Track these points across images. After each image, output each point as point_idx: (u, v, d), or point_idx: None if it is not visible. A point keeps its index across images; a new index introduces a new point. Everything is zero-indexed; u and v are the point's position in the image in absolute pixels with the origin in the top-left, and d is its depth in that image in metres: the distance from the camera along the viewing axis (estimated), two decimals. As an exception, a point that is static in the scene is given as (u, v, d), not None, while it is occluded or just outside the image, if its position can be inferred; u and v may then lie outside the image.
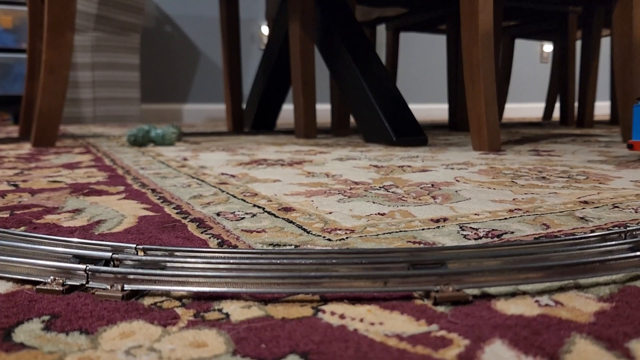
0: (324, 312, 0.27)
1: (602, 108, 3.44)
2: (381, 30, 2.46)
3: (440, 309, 0.28)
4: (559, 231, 0.43)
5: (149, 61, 2.62)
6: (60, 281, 0.30)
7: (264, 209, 0.52)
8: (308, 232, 0.43)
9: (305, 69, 1.44)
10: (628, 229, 0.38)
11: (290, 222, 0.47)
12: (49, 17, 1.18)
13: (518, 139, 1.43)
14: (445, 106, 2.07)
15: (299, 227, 0.45)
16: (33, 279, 0.31)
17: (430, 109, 3.02)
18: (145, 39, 2.57)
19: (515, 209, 0.52)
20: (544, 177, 0.72)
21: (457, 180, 0.70)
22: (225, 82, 1.79)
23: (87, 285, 0.30)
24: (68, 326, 0.25)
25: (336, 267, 0.31)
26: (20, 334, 0.24)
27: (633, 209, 0.52)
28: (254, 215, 0.50)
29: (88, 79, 2.21)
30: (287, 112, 2.70)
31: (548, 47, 3.34)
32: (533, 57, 3.40)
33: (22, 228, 0.45)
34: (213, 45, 2.76)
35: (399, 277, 0.29)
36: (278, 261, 0.32)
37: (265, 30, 2.78)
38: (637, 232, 0.38)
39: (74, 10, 1.21)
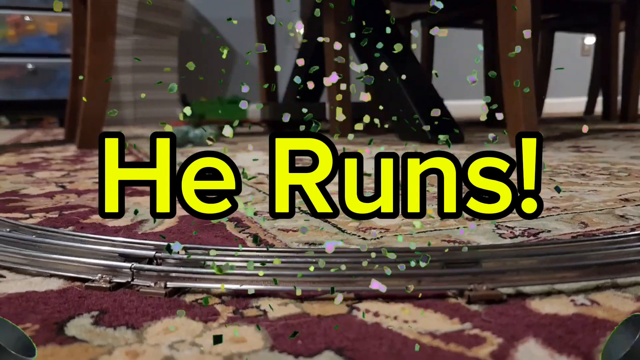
0: (358, 309, 0.28)
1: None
2: (417, 26, 2.44)
3: (474, 307, 0.28)
4: (597, 230, 0.43)
5: (186, 63, 2.67)
6: (108, 279, 0.31)
7: (299, 208, 0.53)
8: (343, 232, 0.44)
9: (340, 67, 1.45)
10: (670, 227, 0.37)
11: (326, 221, 0.48)
12: (92, 23, 1.22)
13: (557, 135, 1.40)
14: (481, 102, 2.05)
15: (334, 227, 0.46)
16: (82, 276, 0.32)
17: (468, 105, 2.98)
18: (183, 42, 2.62)
19: (553, 207, 0.51)
20: (583, 174, 0.71)
21: (493, 178, 0.69)
22: (260, 82, 1.82)
23: (132, 282, 0.31)
24: (115, 321, 0.27)
25: (370, 266, 0.32)
26: (72, 328, 0.26)
27: (677, 206, 0.50)
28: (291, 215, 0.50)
29: (128, 82, 2.27)
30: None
31: (589, 40, 3.25)
32: (574, 50, 3.31)
33: (71, 228, 0.47)
34: (249, 46, 2.79)
35: (433, 276, 0.30)
36: (314, 260, 0.33)
37: (300, 29, 2.80)
38: (680, 231, 0.37)
39: (115, 16, 1.25)
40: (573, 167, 0.77)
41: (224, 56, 0.32)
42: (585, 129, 0.30)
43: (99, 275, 0.32)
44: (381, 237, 0.42)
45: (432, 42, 2.18)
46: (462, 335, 0.25)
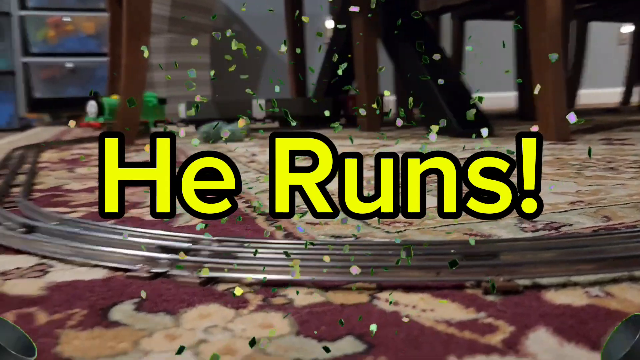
0: (379, 299, 0.30)
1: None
2: (446, 19, 2.42)
3: (490, 298, 0.29)
4: (620, 223, 0.43)
5: (218, 60, 2.72)
6: (147, 268, 0.34)
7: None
8: (368, 225, 0.46)
9: (369, 62, 1.46)
10: (692, 221, 0.37)
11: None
12: (127, 23, 1.26)
13: (590, 127, 1.38)
14: (513, 94, 2.02)
15: (359, 220, 0.47)
16: (124, 266, 0.35)
17: (499, 97, 2.95)
18: (215, 39, 2.66)
19: (578, 201, 0.52)
20: (612, 168, 0.70)
21: (520, 172, 0.70)
22: (291, 77, 1.84)
23: (169, 272, 0.34)
24: (154, 308, 0.29)
25: (392, 257, 0.33)
26: (116, 314, 0.28)
27: None
28: (317, 208, 0.52)
29: (163, 79, 2.32)
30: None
31: (626, 29, 3.16)
32: (610, 39, 3.22)
33: (112, 221, 0.50)
34: (279, 41, 2.81)
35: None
36: (338, 252, 0.35)
37: (329, 25, 2.81)
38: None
39: (150, 16, 1.28)
40: (602, 161, 0.77)
41: (243, 53, 0.33)
42: (534, 128, 0.29)
43: (139, 265, 0.34)
44: (404, 230, 0.44)
45: (462, 35, 2.16)
46: (477, 324, 0.26)
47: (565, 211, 0.48)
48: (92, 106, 1.48)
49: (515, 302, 0.28)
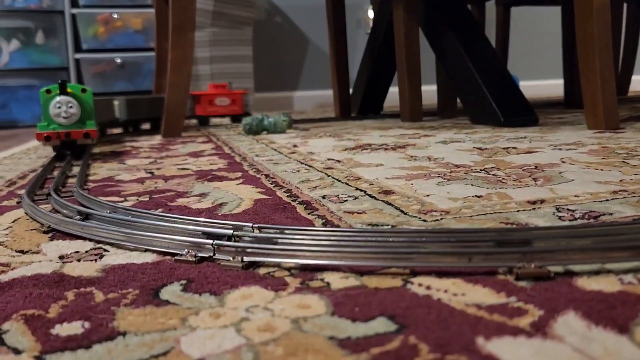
0: (412, 283, 0.31)
1: None
2: (490, 6, 2.37)
3: (521, 283, 0.30)
4: (662, 212, 0.43)
5: (261, 52, 2.75)
6: (193, 253, 0.36)
7: (365, 192, 0.56)
8: (405, 214, 0.47)
9: (410, 52, 1.45)
10: None
11: (389, 204, 0.50)
12: (173, 20, 1.30)
13: (642, 114, 1.34)
14: (561, 82, 1.97)
15: (396, 209, 0.48)
16: (172, 251, 0.37)
17: (546, 85, 2.87)
18: (257, 31, 2.70)
19: (620, 190, 0.51)
20: (660, 157, 0.69)
21: (562, 162, 0.69)
22: (332, 68, 1.85)
23: (214, 257, 0.36)
24: (200, 289, 0.31)
25: (426, 244, 0.34)
26: (165, 294, 0.31)
27: None
28: (356, 198, 0.54)
29: (207, 72, 2.38)
30: (395, 94, 2.70)
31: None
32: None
33: (160, 209, 0.53)
34: (320, 32, 2.83)
35: (483, 254, 0.32)
36: (374, 238, 0.36)
37: (371, 14, 2.80)
38: None
39: (195, 12, 1.32)
40: (651, 149, 0.75)
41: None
42: None
43: (186, 250, 0.36)
44: (441, 219, 0.44)
45: (508, 22, 2.12)
46: (506, 307, 0.27)
47: (607, 200, 0.48)
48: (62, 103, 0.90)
49: (546, 288, 0.29)
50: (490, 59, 1.35)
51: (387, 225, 0.43)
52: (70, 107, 0.89)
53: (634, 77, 2.34)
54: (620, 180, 0.56)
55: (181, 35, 1.30)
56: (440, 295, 0.29)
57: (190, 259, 0.36)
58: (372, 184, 0.60)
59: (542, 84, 2.88)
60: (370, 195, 0.54)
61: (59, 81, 0.90)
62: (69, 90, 0.90)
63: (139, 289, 0.31)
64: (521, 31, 2.77)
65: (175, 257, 0.36)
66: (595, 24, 1.02)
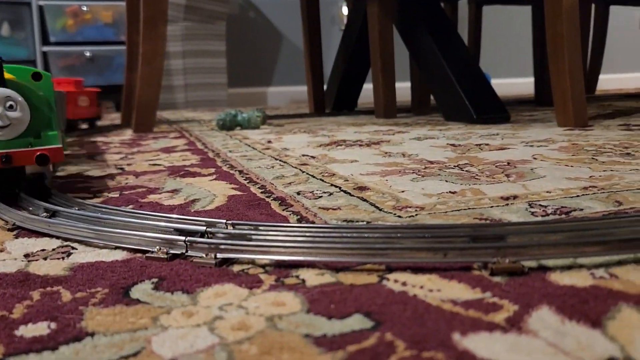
0: (388, 279, 0.31)
1: None
2: (463, 5, 2.40)
3: (496, 279, 0.30)
4: (631, 208, 0.44)
5: (234, 47, 2.73)
6: (165, 250, 0.35)
7: (340, 188, 0.56)
8: (380, 210, 0.46)
9: (384, 49, 1.45)
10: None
11: (364, 200, 0.50)
12: (144, 12, 1.27)
13: (609, 112, 1.37)
14: (531, 80, 2.00)
15: (371, 205, 0.48)
16: (143, 248, 0.36)
17: (517, 83, 2.92)
18: (230, 26, 2.67)
19: (590, 187, 0.52)
20: (628, 154, 0.70)
21: (534, 158, 0.70)
22: (306, 64, 1.84)
23: (186, 254, 0.35)
24: (172, 287, 0.30)
25: (401, 240, 0.34)
26: (136, 292, 0.30)
27: None
28: (331, 194, 0.53)
29: (179, 67, 2.34)
30: (369, 91, 2.71)
31: (649, 12, 3.09)
32: (630, 23, 3.16)
33: (131, 206, 0.52)
34: (295, 28, 2.82)
35: (458, 250, 0.32)
36: (349, 234, 0.36)
37: (345, 11, 2.80)
38: None
39: (167, 5, 1.30)
40: (619, 146, 0.77)
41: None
42: None
43: (158, 247, 0.36)
44: (416, 215, 0.44)
45: (480, 20, 2.14)
46: (482, 303, 0.27)
47: (577, 196, 0.48)
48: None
49: (520, 283, 0.29)
50: (463, 57, 1.36)
51: (362, 221, 0.43)
52: (10, 107, 0.49)
53: (601, 76, 2.39)
54: (590, 177, 0.57)
55: (153, 29, 1.28)
56: (416, 291, 0.29)
57: (162, 256, 0.35)
58: (347, 180, 0.60)
59: (513, 82, 2.92)
60: (345, 192, 0.54)
61: None
62: (6, 76, 0.50)
63: (108, 288, 0.31)
64: (493, 30, 2.81)
65: (147, 255, 0.35)
66: (564, 24, 1.04)
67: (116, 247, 0.38)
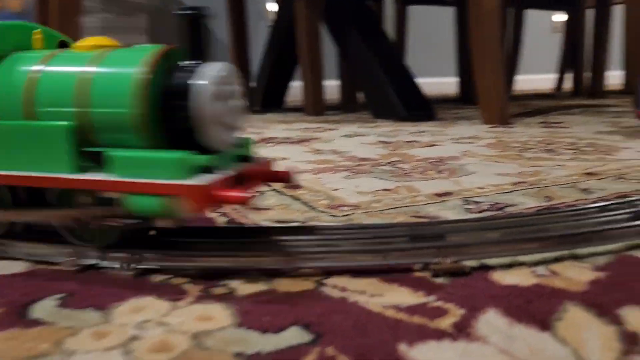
0: (326, 285, 0.28)
1: (616, 77, 3.37)
2: (388, 3, 2.43)
3: (439, 280, 0.28)
4: (561, 203, 0.44)
5: (157, 41, 2.62)
6: (74, 261, 0.31)
7: (271, 186, 0.53)
8: (314, 209, 0.44)
9: (312, 46, 1.44)
10: (629, 199, 0.38)
11: (297, 199, 0.48)
12: (59, 2, 1.18)
13: (529, 111, 1.42)
14: (455, 80, 2.06)
15: (305, 204, 0.46)
16: (49, 260, 0.32)
17: (441, 82, 3.00)
18: (153, 20, 2.56)
19: (520, 182, 0.52)
20: (551, 150, 0.72)
21: (464, 155, 0.70)
22: (232, 60, 1.79)
23: (99, 265, 0.31)
24: (82, 303, 0.27)
25: (339, 242, 0.32)
26: (37, 311, 0.26)
27: (638, 180, 0.52)
28: (261, 193, 0.51)
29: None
30: (298, 89, 2.69)
31: (558, 17, 3.28)
32: (544, 27, 3.34)
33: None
34: (220, 23, 2.75)
35: (399, 251, 0.30)
36: (283, 237, 0.33)
37: (272, 6, 2.76)
38: (638, 202, 0.38)
39: (81, -6, 1.21)
40: (542, 143, 0.79)
41: None
42: None
43: (66, 258, 0.31)
44: (351, 213, 0.42)
45: (405, 20, 2.17)
46: (426, 308, 0.25)
47: (509, 192, 0.48)
48: None
49: (463, 284, 0.28)
50: (390, 55, 1.37)
51: (296, 221, 0.41)
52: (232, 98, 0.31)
53: (518, 77, 2.50)
54: (519, 172, 0.57)
55: (66, 20, 1.19)
56: (357, 298, 0.27)
57: (71, 268, 0.31)
58: (278, 179, 0.57)
59: (437, 82, 3.00)
60: (276, 191, 0.51)
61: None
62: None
63: (4, 307, 0.26)
64: (418, 29, 2.87)
65: (53, 267, 0.31)
66: (487, 26, 1.06)
67: (18, 259, 0.33)
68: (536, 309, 0.25)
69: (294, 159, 0.71)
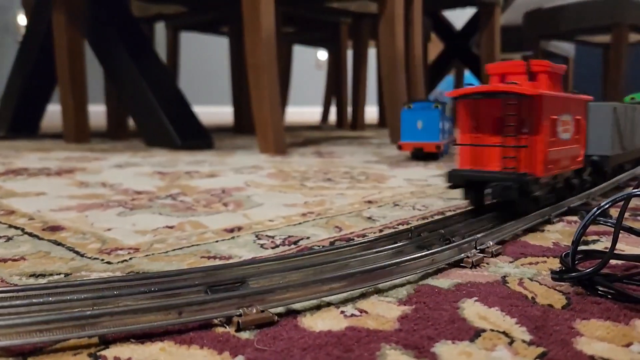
0: (105, 358, 0.22)
1: (371, 112, 3.80)
2: (161, 28, 2.35)
3: (245, 335, 0.24)
4: (351, 233, 0.44)
5: None
6: None
7: (23, 229, 0.43)
8: (82, 256, 0.37)
9: (74, 65, 1.29)
10: (412, 227, 0.40)
11: (59, 244, 0.39)
12: None
13: (301, 141, 1.49)
14: (230, 109, 2.07)
15: (69, 250, 0.38)
16: None
17: (215, 111, 3.00)
18: None
19: (308, 212, 0.52)
20: (329, 179, 0.74)
21: (247, 185, 0.68)
22: (-29, 77, 1.51)
23: None
24: None
25: (119, 299, 0.26)
26: None
27: (411, 206, 0.55)
28: (9, 238, 0.40)
29: None
30: (55, 113, 2.40)
31: (322, 55, 3.58)
32: (310, 63, 3.61)
33: None
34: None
35: (196, 304, 0.25)
36: (41, 299, 0.25)
37: (22, 19, 2.44)
38: (421, 230, 0.40)
39: None
40: (319, 172, 0.81)
41: None
42: None
43: None
44: (130, 259, 0.36)
45: (177, 45, 2.12)
46: (235, 374, 0.21)
47: (300, 223, 0.47)
48: None
49: (273, 336, 0.24)
50: (164, 79, 1.30)
51: (59, 274, 0.33)
52: None
53: (288, 109, 2.63)
54: (305, 202, 0.57)
55: None
56: (148, 373, 0.21)
57: None
58: (33, 219, 0.47)
59: (211, 111, 2.99)
60: (30, 234, 0.42)
61: None
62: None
63: None
64: (191, 56, 2.83)
65: None
66: (263, 54, 1.08)
67: None
68: (357, 358, 0.22)
69: (54, 193, 0.60)
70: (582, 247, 0.38)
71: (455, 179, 0.46)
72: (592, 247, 0.40)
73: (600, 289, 0.29)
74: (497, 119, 0.44)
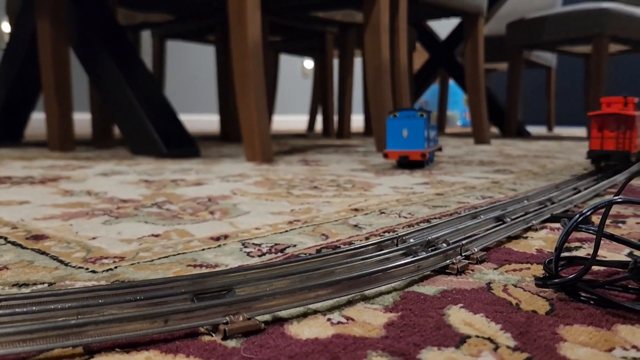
0: (89, 369, 0.22)
1: (357, 121, 3.82)
2: (147, 36, 2.34)
3: (232, 343, 0.24)
4: (337, 240, 0.44)
5: None
6: None
7: (6, 239, 0.43)
8: (66, 265, 0.36)
9: (59, 73, 1.28)
10: (398, 234, 0.40)
11: (43, 253, 0.39)
12: None
13: (288, 149, 1.49)
14: (216, 117, 2.07)
15: (53, 259, 0.37)
16: None
17: (201, 120, 3.00)
18: None
19: (294, 220, 0.52)
20: (316, 187, 0.75)
21: (234, 193, 0.68)
22: (-47, 84, 1.50)
23: None
24: None
25: (103, 308, 0.26)
26: None
27: (397, 213, 0.56)
28: (-8, 248, 0.40)
29: None
30: (39, 121, 2.38)
31: (309, 63, 3.59)
32: (296, 72, 3.62)
33: None
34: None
35: (182, 312, 0.25)
36: (24, 309, 0.25)
37: (6, 27, 2.42)
38: (407, 237, 0.40)
39: None
40: (306, 180, 0.81)
41: None
42: None
43: None
44: (115, 267, 0.36)
45: (163, 53, 2.11)
46: (222, 382, 0.21)
47: (286, 231, 0.47)
48: None
49: (260, 344, 0.24)
50: (150, 87, 1.29)
51: (43, 283, 0.32)
52: None
53: (274, 117, 2.64)
54: (291, 210, 0.57)
55: None
56: (133, 382, 0.21)
57: None
58: (16, 228, 0.47)
59: (196, 119, 2.98)
60: (13, 243, 0.41)
61: None
62: None
63: None
64: (177, 64, 2.83)
65: None
66: (250, 62, 1.08)
67: None
68: (342, 365, 0.22)
69: (37, 202, 0.60)
70: (565, 254, 0.39)
71: (592, 154, 0.89)
72: (574, 253, 0.40)
73: (583, 294, 0.30)
74: (614, 125, 0.87)
